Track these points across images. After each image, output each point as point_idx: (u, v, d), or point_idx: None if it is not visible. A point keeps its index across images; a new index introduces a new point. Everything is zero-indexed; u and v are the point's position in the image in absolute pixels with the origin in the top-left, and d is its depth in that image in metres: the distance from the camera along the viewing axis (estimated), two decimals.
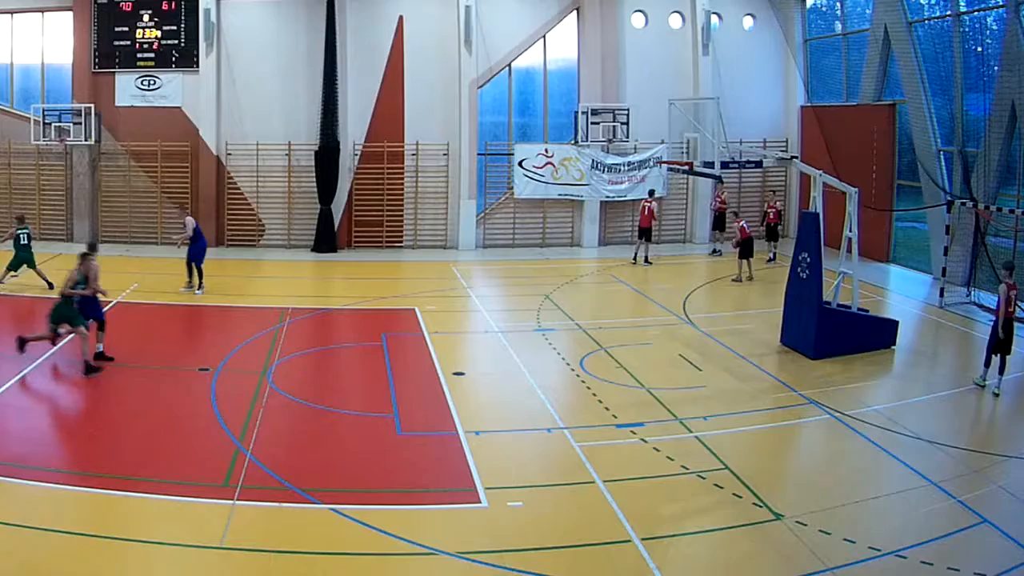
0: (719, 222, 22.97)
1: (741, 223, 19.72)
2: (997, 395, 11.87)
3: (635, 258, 21.50)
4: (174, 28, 22.70)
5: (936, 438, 10.25)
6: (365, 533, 7.86)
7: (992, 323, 12.37)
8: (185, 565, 7.30)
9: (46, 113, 22.10)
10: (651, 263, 21.34)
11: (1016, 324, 12.20)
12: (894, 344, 14.10)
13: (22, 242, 17.26)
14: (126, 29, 22.65)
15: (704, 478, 9.11)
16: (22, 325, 15.14)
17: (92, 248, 13.15)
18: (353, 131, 23.06)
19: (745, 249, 19.44)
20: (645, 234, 21.53)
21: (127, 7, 22.60)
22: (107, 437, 10.12)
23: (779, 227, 22.08)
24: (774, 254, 21.06)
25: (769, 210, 21.91)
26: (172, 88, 22.89)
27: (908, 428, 10.54)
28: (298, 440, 10.12)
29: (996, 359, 12.01)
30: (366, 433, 10.47)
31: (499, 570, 7.27)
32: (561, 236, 24.32)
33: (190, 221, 17.69)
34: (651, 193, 22.30)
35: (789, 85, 25.19)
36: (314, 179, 22.63)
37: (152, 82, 22.87)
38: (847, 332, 13.74)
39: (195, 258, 17.35)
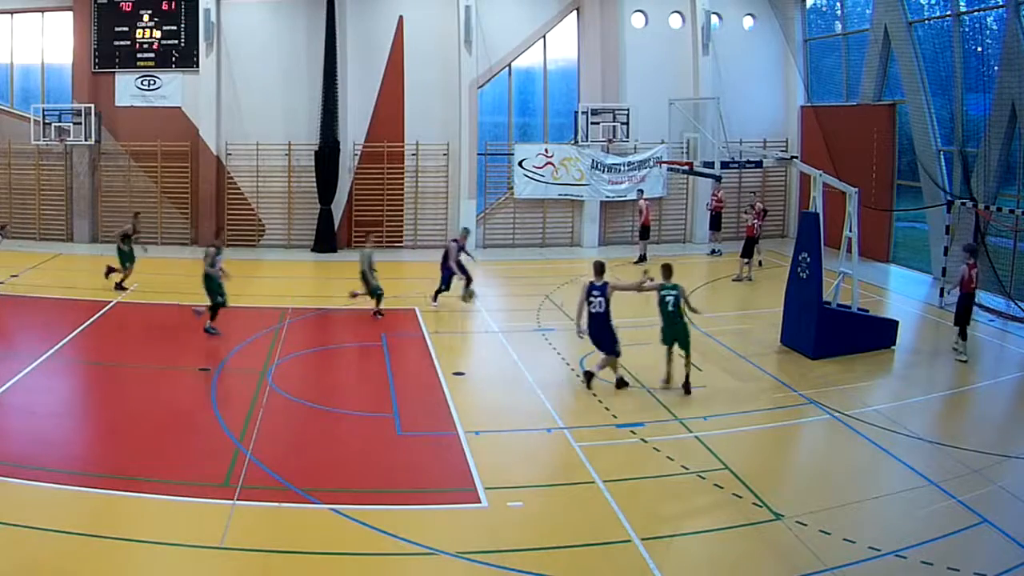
0: (716, 222, 22.97)
1: (753, 221, 19.72)
2: (958, 349, 13.49)
3: (643, 258, 21.50)
4: (174, 28, 22.71)
5: (936, 438, 10.26)
6: (365, 533, 7.86)
7: (958, 298, 13.81)
8: (185, 565, 7.30)
9: (46, 113, 22.12)
10: (646, 261, 21.33)
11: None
12: (894, 344, 14.10)
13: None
14: (126, 29, 22.66)
15: (704, 478, 9.10)
16: (24, 325, 15.16)
17: (600, 269, 12.08)
18: (353, 131, 23.06)
19: (746, 249, 19.45)
20: (644, 233, 21.65)
21: (127, 7, 22.60)
22: (107, 437, 10.13)
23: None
24: (760, 260, 20.88)
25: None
26: (172, 88, 22.90)
27: (908, 428, 10.53)
28: (298, 440, 10.12)
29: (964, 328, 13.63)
30: (366, 433, 10.47)
31: (499, 570, 7.26)
32: (561, 236, 24.32)
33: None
34: (640, 193, 22.39)
35: (789, 85, 25.18)
36: (314, 179, 22.63)
37: (152, 82, 22.87)
38: (847, 332, 13.74)
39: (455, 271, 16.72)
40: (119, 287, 17.12)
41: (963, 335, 13.62)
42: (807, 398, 11.67)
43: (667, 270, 12.04)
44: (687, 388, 11.77)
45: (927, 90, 19.52)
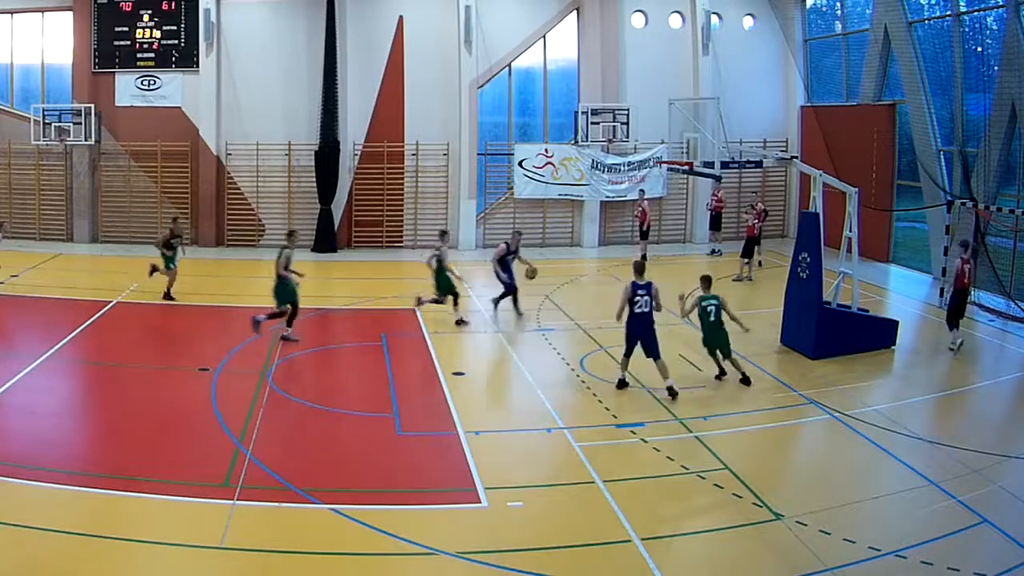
0: (716, 222, 22.98)
1: (753, 221, 19.75)
2: (954, 350, 13.77)
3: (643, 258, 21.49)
4: (174, 28, 22.71)
5: (936, 438, 10.25)
6: (365, 533, 7.85)
7: (951, 293, 14.22)
8: (185, 565, 7.30)
9: (46, 113, 22.12)
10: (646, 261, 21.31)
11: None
12: (894, 344, 14.10)
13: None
14: (126, 29, 22.67)
15: (704, 478, 9.10)
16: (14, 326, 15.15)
17: (641, 268, 11.90)
18: (353, 131, 23.06)
19: (746, 249, 19.46)
20: (643, 233, 21.68)
21: (127, 7, 22.61)
22: (107, 437, 10.13)
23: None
24: (760, 260, 20.86)
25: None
26: (172, 88, 22.90)
27: (908, 428, 10.53)
28: (298, 440, 10.11)
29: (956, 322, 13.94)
30: (366, 433, 10.47)
31: (499, 570, 7.26)
32: (561, 236, 24.32)
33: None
34: (641, 193, 22.41)
35: (789, 85, 25.19)
36: (314, 179, 22.64)
37: (152, 82, 22.87)
38: (847, 332, 13.73)
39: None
40: (167, 296, 16.49)
41: (951, 327, 13.91)
42: (807, 398, 11.67)
43: (706, 281, 12.33)
44: (746, 380, 12.15)
45: (927, 90, 19.51)
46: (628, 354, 11.89)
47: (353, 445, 10.14)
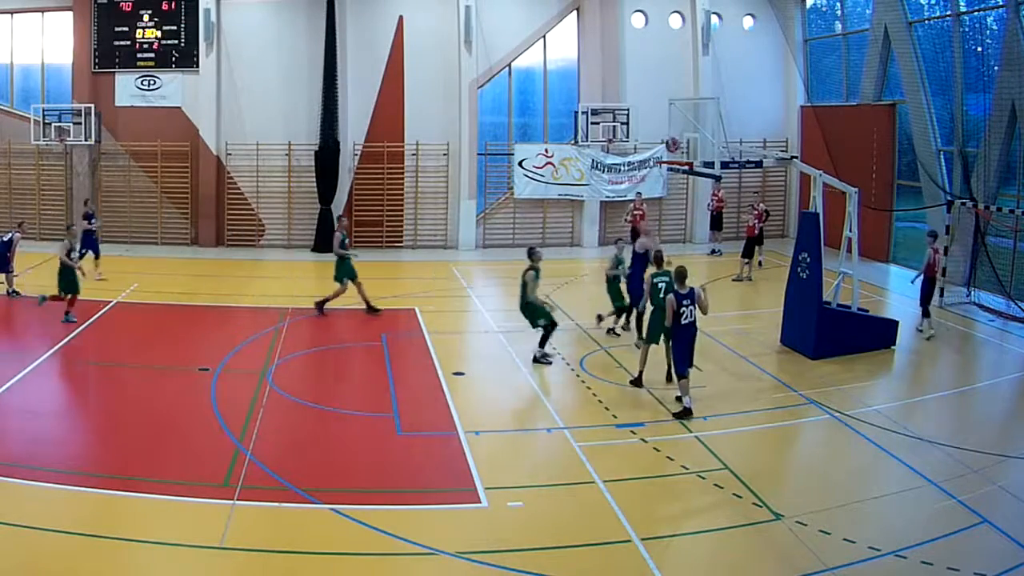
0: (716, 222, 22.97)
1: (753, 222, 19.74)
2: (929, 338, 14.45)
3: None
4: (174, 28, 22.72)
5: (936, 438, 10.24)
6: (365, 533, 7.85)
7: (922, 281, 15.00)
8: (185, 565, 7.30)
9: (46, 113, 22.11)
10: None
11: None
12: (894, 344, 14.10)
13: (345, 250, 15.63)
14: (126, 29, 22.67)
15: (704, 478, 9.10)
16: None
17: (682, 275, 11.03)
18: (353, 131, 23.07)
19: (747, 249, 19.46)
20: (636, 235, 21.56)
21: (127, 7, 22.61)
22: (107, 437, 10.13)
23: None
24: (760, 260, 20.78)
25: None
26: (172, 88, 22.91)
27: (908, 428, 10.53)
28: (298, 440, 10.11)
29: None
30: (366, 433, 10.47)
31: (499, 570, 7.26)
32: (561, 236, 24.30)
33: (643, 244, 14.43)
34: (638, 195, 22.38)
35: (789, 85, 25.18)
36: (314, 179, 22.64)
37: (152, 82, 22.88)
38: (847, 332, 13.73)
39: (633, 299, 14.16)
40: (372, 310, 15.62)
41: (926, 314, 14.80)
42: (807, 398, 11.66)
43: (659, 257, 12.25)
44: (670, 377, 11.78)
45: (927, 90, 19.51)
46: (687, 370, 11.01)
47: (353, 445, 10.14)
